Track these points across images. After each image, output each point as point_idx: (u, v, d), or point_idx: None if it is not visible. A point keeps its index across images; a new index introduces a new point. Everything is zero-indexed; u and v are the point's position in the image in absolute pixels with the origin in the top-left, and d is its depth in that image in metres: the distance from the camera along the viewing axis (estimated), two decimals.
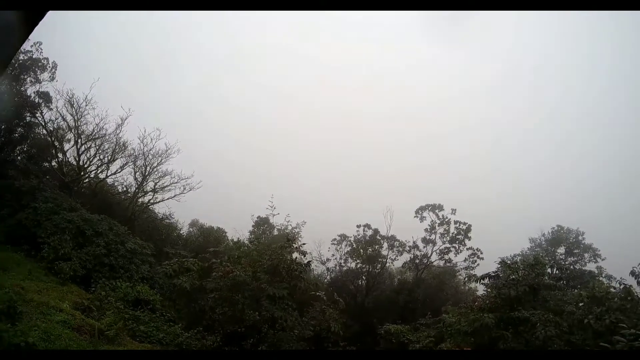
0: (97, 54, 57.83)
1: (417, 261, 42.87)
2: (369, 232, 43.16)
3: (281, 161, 72.86)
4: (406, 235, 43.15)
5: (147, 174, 38.61)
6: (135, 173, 38.60)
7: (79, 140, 35.76)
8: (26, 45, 31.91)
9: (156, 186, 39.22)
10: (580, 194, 67.64)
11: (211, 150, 66.24)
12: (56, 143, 35.50)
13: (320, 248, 42.95)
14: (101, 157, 37.02)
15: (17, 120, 32.64)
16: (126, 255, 27.95)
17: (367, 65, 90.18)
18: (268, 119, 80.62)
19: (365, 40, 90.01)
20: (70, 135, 35.97)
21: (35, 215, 27.29)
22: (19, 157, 33.81)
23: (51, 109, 34.53)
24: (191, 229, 44.58)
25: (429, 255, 42.72)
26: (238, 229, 40.66)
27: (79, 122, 35.43)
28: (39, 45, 33.41)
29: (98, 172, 37.79)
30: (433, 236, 42.48)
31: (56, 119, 35.00)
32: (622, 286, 21.53)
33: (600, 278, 35.54)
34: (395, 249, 43.21)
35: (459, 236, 41.86)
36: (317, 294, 27.04)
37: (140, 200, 39.82)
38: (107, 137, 36.53)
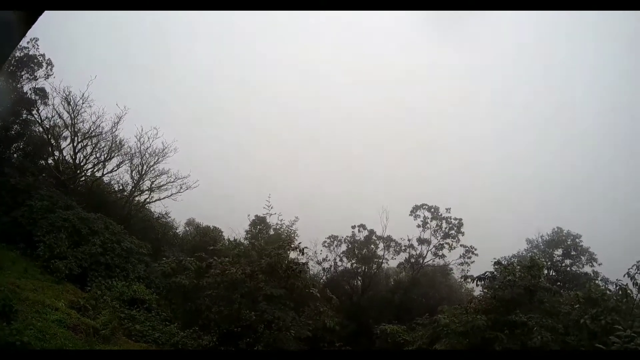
0: (94, 52, 57.50)
1: (413, 260, 42.88)
2: (364, 233, 43.22)
3: (277, 161, 72.89)
4: (403, 235, 43.25)
5: (143, 172, 38.43)
6: (131, 172, 38.39)
7: (76, 138, 35.54)
8: (23, 42, 31.76)
9: (152, 185, 39.08)
10: (577, 196, 67.87)
11: (208, 149, 66.24)
12: (52, 141, 35.30)
13: (316, 248, 42.99)
14: (97, 155, 36.85)
15: (13, 117, 32.46)
16: (122, 254, 27.92)
17: (366, 66, 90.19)
18: (264, 118, 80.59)
19: (365, 41, 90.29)
20: (66, 133, 35.81)
21: (31, 214, 27.17)
22: (14, 155, 33.59)
23: (47, 106, 34.35)
24: (187, 228, 44.51)
25: (424, 255, 42.78)
26: (234, 228, 40.56)
27: (75, 120, 35.26)
28: (36, 41, 33.24)
29: (94, 170, 37.64)
30: (426, 233, 42.59)
31: (52, 116, 34.79)
32: (617, 287, 21.59)
33: (597, 281, 35.74)
34: (391, 249, 43.22)
35: (452, 231, 41.98)
36: (311, 291, 27.02)
37: (136, 199, 39.64)
38: (103, 135, 36.38)
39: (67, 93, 34.52)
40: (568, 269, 42.13)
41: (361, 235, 43.20)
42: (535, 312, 22.27)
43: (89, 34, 59.42)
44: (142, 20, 66.70)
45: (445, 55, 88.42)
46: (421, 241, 42.64)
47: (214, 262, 26.72)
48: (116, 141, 37.07)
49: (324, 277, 42.99)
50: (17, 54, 32.09)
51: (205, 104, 78.00)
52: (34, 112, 33.80)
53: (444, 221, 42.15)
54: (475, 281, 27.92)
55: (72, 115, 35.05)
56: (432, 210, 42.66)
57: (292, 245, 27.19)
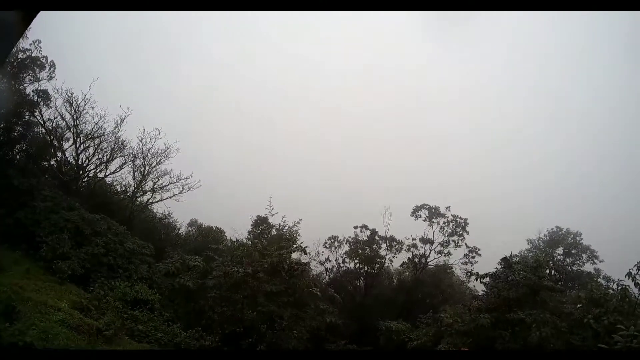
0: (96, 53, 57.67)
1: (416, 260, 42.86)
2: (367, 233, 43.20)
3: (279, 161, 72.76)
4: (404, 235, 43.26)
5: (146, 173, 38.59)
6: (134, 172, 38.57)
7: (78, 139, 35.68)
8: (25, 44, 31.89)
9: (155, 186, 39.21)
10: (578, 195, 67.63)
11: (210, 149, 66.20)
12: (55, 142, 35.40)
13: (319, 248, 42.99)
14: (100, 156, 36.98)
15: (16, 119, 32.51)
16: (125, 254, 27.93)
17: (367, 66, 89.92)
18: (266, 119, 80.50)
19: (365, 41, 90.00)
20: (69, 134, 35.88)
21: (34, 214, 27.23)
22: (17, 156, 33.64)
23: (50, 108, 34.48)
24: (190, 229, 44.53)
25: (427, 254, 42.78)
26: (237, 229, 40.56)
27: (77, 121, 35.42)
28: (38, 43, 33.30)
29: (97, 171, 37.74)
30: (431, 232, 42.64)
31: (55, 117, 34.95)
32: (619, 287, 21.64)
33: (599, 279, 35.81)
34: (394, 249, 43.22)
35: (458, 229, 42.07)
36: (313, 290, 27.07)
37: (139, 199, 39.75)
38: (106, 137, 36.55)
39: (70, 94, 34.72)
40: (569, 267, 42.20)
41: (364, 235, 43.22)
42: (538, 310, 22.32)
43: (90, 34, 59.34)
44: (144, 20, 66.64)
45: (446, 53, 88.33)
46: (424, 241, 42.62)
47: (217, 264, 26.81)
48: (118, 142, 37.28)
49: (326, 278, 42.99)
50: (20, 55, 32.21)
51: (208, 103, 78.06)
52: (37, 113, 33.86)
53: (449, 219, 42.14)
54: (479, 279, 28.01)
55: (75, 116, 35.22)
56: (433, 210, 42.66)
57: (295, 246, 27.22)
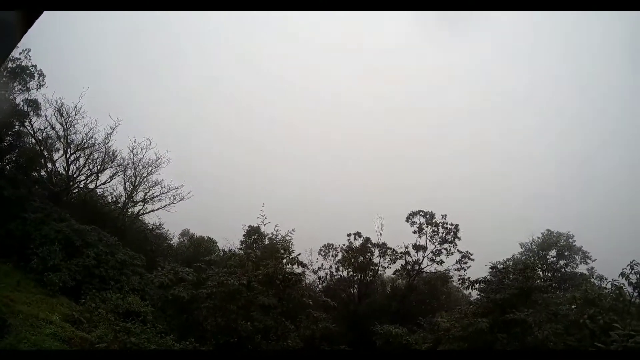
0: (86, 62, 57.33)
1: (409, 267, 42.77)
2: (360, 241, 43.10)
3: (270, 172, 72.50)
4: (398, 242, 43.16)
5: (137, 184, 38.33)
6: (125, 183, 38.28)
7: (68, 150, 35.46)
8: (15, 53, 31.65)
9: (146, 196, 38.89)
10: (570, 197, 68.15)
11: (201, 159, 65.93)
12: (45, 152, 35.16)
13: (312, 256, 42.79)
14: (90, 166, 36.75)
15: (5, 129, 32.24)
16: (116, 266, 27.62)
17: (362, 71, 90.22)
18: (255, 130, 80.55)
19: (366, 44, 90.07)
20: (59, 145, 35.69)
21: (24, 226, 26.89)
22: (7, 167, 33.33)
23: (40, 118, 34.32)
24: (182, 239, 44.29)
25: (420, 261, 42.67)
26: (229, 239, 40.36)
27: (68, 131, 35.22)
28: (28, 52, 33.15)
29: (87, 182, 37.47)
30: (422, 239, 42.48)
31: (45, 128, 34.76)
32: (613, 287, 21.89)
33: (592, 280, 36.29)
34: (387, 256, 43.13)
35: (449, 237, 41.95)
36: (308, 301, 26.98)
37: (130, 210, 39.49)
38: (96, 147, 36.34)
39: (60, 104, 34.59)
40: (563, 269, 42.54)
41: (357, 243, 43.10)
42: (535, 310, 22.46)
43: (80, 44, 59.14)
44: (134, 28, 66.40)
45: (442, 59, 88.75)
46: (417, 247, 42.52)
47: (212, 273, 26.61)
48: (109, 152, 37.08)
49: (320, 286, 42.85)
50: (10, 64, 31.96)
51: (198, 113, 77.82)
52: (27, 123, 33.65)
53: (440, 227, 42.05)
54: (471, 286, 28.18)
55: (65, 126, 35.06)
56: (428, 216, 42.63)
57: (291, 257, 27.11)
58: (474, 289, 28.38)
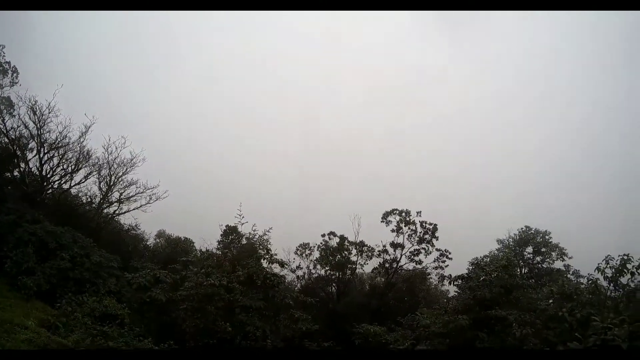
0: (60, 61, 56.41)
1: (387, 265, 43.04)
2: (336, 240, 43.31)
3: (247, 170, 72.37)
4: (375, 240, 43.54)
5: (112, 183, 37.63)
6: (99, 183, 37.55)
7: (42, 149, 34.61)
8: None
9: (121, 196, 38.21)
10: (548, 195, 69.43)
11: (177, 159, 65.56)
12: (18, 152, 34.30)
13: (289, 256, 42.82)
14: (64, 166, 35.93)
15: None
16: (92, 268, 27.14)
17: (337, 67, 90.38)
18: (232, 129, 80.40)
19: (343, 43, 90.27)
20: (32, 144, 34.82)
21: None
22: None
23: (13, 116, 33.52)
24: (158, 240, 43.77)
25: (398, 259, 42.98)
26: (206, 239, 39.99)
27: (41, 130, 34.37)
28: (2, 48, 32.42)
29: (62, 182, 36.63)
30: (400, 238, 42.87)
31: (18, 126, 33.93)
32: (589, 281, 22.40)
33: (568, 275, 36.99)
34: (364, 254, 43.36)
35: (427, 236, 42.31)
36: (289, 302, 26.92)
37: (105, 211, 38.79)
38: (70, 146, 35.57)
39: (33, 102, 33.75)
40: (540, 265, 43.26)
41: (333, 242, 43.28)
42: (513, 309, 22.70)
43: (52, 41, 58.15)
44: (109, 26, 65.61)
45: (417, 59, 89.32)
46: (395, 245, 42.81)
47: (189, 274, 26.36)
48: (83, 152, 36.27)
49: (298, 285, 42.82)
50: None
51: (174, 111, 77.26)
52: None
53: (418, 225, 42.40)
54: (452, 282, 28.40)
55: (38, 125, 34.19)
56: (404, 214, 42.90)
57: (271, 257, 27.02)
58: (455, 284, 28.57)
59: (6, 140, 33.68)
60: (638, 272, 20.43)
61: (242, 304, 23.75)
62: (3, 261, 24.86)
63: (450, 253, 41.97)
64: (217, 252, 33.68)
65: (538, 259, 43.94)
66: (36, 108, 33.83)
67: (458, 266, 38.15)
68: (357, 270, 44.57)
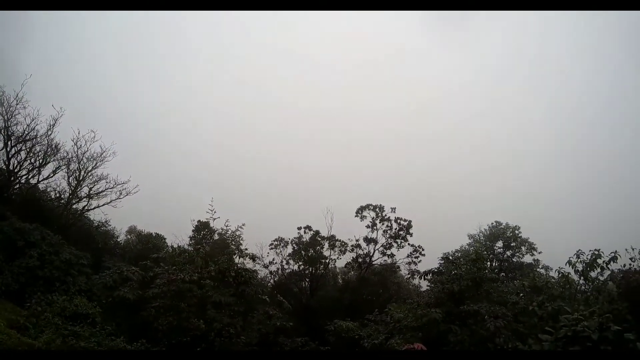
0: (28, 50, 54.82)
1: (360, 260, 43.30)
2: (310, 234, 43.32)
3: (218, 165, 71.76)
4: (349, 235, 43.75)
5: (81, 178, 36.60)
6: (68, 177, 36.42)
7: (9, 143, 33.58)
8: None
9: (91, 192, 37.13)
10: (519, 193, 70.66)
11: (148, 153, 64.65)
12: None
13: (262, 250, 42.59)
14: (32, 160, 34.89)
15: None
16: (61, 266, 26.58)
17: (317, 65, 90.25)
18: (204, 119, 79.73)
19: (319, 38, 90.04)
20: None
21: None
22: None
23: None
24: (129, 236, 43.07)
25: (371, 254, 43.28)
26: (178, 235, 39.52)
27: (8, 122, 33.31)
28: None
29: (29, 177, 35.61)
30: (375, 233, 43.17)
31: None
32: (560, 275, 23.00)
33: (538, 269, 37.73)
34: (337, 248, 43.49)
35: (401, 232, 42.72)
36: (263, 297, 26.92)
37: (74, 207, 37.75)
38: (38, 139, 34.53)
39: (1, 93, 32.78)
40: (510, 259, 44.03)
41: (307, 237, 43.30)
42: (483, 302, 23.09)
43: (22, 31, 56.52)
44: (82, 17, 64.10)
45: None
46: (368, 240, 43.10)
47: (160, 271, 26.08)
48: (52, 145, 35.14)
49: (271, 281, 42.75)
50: None
51: (145, 105, 76.17)
52: None
53: (393, 222, 42.78)
54: (422, 276, 28.75)
55: (5, 117, 33.14)
56: (377, 210, 43.18)
57: (243, 252, 26.96)
58: (425, 279, 28.91)
59: None
60: (607, 267, 21.21)
61: (213, 300, 23.61)
62: None
63: (423, 249, 42.47)
64: (189, 248, 33.45)
65: (508, 253, 44.64)
66: (3, 99, 32.90)
67: (432, 262, 38.65)
68: (330, 265, 44.72)
